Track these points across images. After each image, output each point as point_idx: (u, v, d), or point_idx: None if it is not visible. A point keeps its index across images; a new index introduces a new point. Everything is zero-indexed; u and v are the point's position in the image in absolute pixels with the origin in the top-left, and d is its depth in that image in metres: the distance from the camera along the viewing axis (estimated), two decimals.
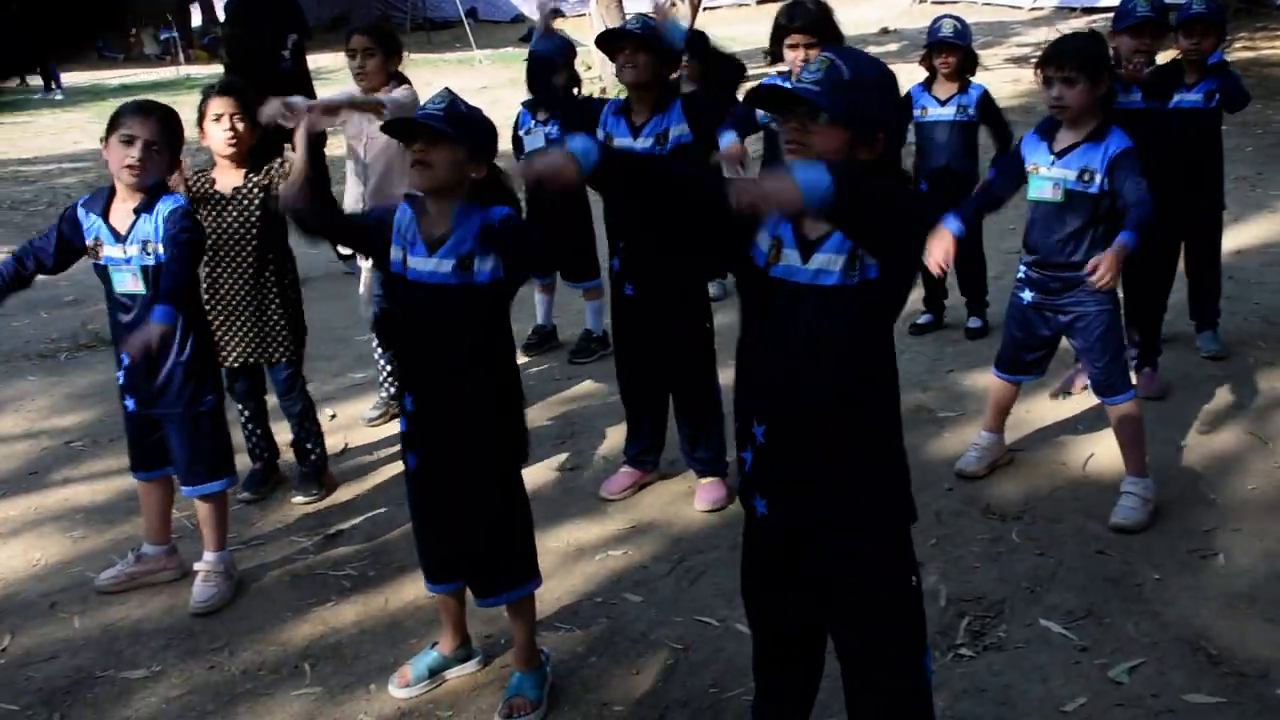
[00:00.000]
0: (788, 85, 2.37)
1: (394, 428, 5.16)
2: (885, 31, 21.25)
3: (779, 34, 4.63)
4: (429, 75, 19.60)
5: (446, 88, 3.13)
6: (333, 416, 5.30)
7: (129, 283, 3.64)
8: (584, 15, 22.65)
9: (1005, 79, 13.27)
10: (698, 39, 4.81)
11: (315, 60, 20.76)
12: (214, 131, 4.21)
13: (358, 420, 5.26)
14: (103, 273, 3.68)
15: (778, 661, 2.64)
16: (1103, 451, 4.40)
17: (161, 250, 3.58)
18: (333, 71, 18.56)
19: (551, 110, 5.16)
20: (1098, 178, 3.85)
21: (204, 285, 4.24)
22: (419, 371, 3.13)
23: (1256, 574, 3.63)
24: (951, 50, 5.45)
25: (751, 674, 2.76)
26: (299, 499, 4.52)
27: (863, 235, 2.21)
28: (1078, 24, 20.00)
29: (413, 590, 3.75)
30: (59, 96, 18.45)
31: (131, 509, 4.32)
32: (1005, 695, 3.09)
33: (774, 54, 4.71)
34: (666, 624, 3.53)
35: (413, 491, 3.24)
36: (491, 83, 18.02)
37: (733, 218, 2.23)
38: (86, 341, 6.49)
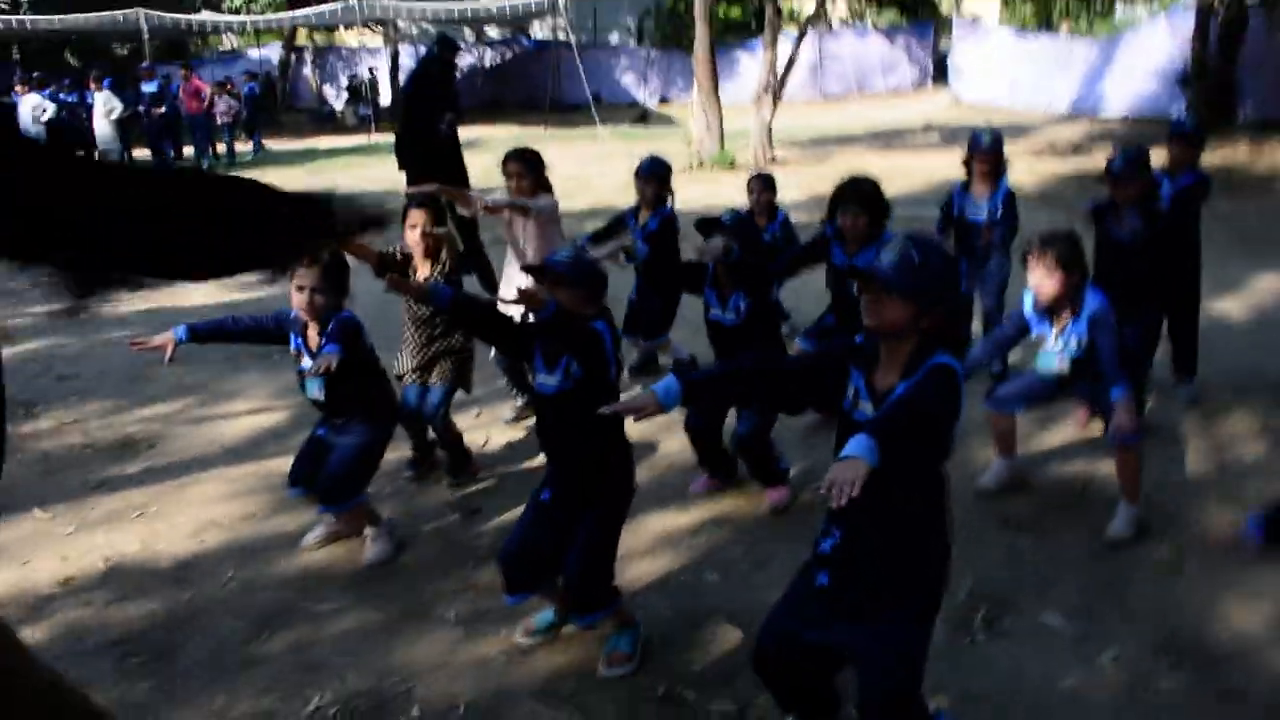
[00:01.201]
0: (872, 266, 2.27)
1: (525, 427, 5.20)
2: (928, 127, 20.92)
3: (835, 202, 4.52)
4: (563, 148, 19.78)
5: (575, 243, 3.15)
6: (478, 414, 5.33)
7: (315, 391, 3.75)
8: (687, 104, 22.72)
9: (1024, 169, 13.03)
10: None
11: (473, 132, 21.18)
12: (410, 235, 4.29)
13: (499, 419, 5.29)
14: (299, 379, 3.80)
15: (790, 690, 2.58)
16: (1101, 478, 4.25)
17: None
18: (486, 140, 18.88)
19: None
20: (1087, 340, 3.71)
21: (406, 320, 4.46)
22: (552, 454, 3.15)
23: (1216, 584, 3.48)
24: (988, 157, 5.26)
25: None
26: (448, 481, 4.57)
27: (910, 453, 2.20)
28: (1087, 128, 19.53)
29: None
30: (260, 156, 18.89)
31: None
32: (1011, 674, 2.99)
33: (830, 217, 4.59)
34: (739, 600, 3.47)
35: (538, 517, 3.15)
36: (612, 153, 18.11)
37: (822, 376, 2.37)
38: None
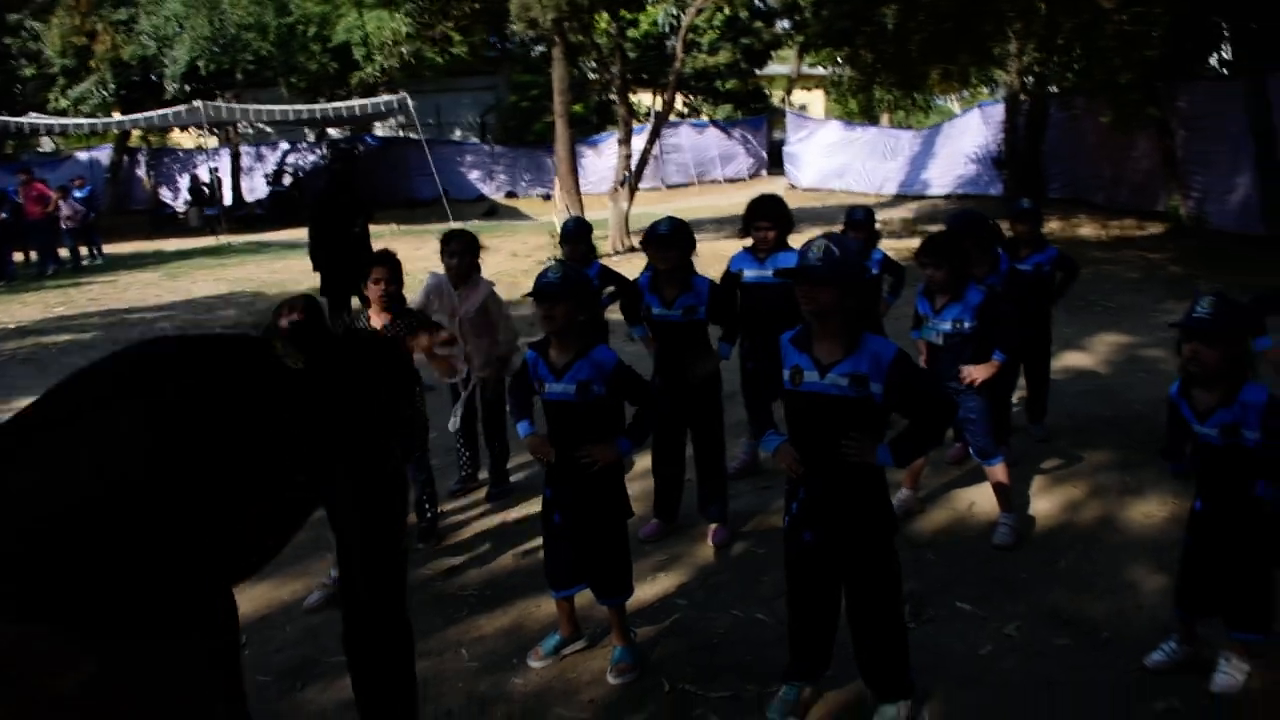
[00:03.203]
0: (804, 264, 3.11)
1: (470, 497, 5.80)
2: None
3: (749, 219, 5.38)
4: (420, 243, 20.28)
5: (559, 260, 3.85)
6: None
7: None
8: (533, 198, 23.70)
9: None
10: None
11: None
12: (373, 290, 4.90)
13: (444, 491, 5.81)
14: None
15: (808, 613, 3.39)
16: (980, 499, 5.21)
17: None
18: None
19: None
20: (966, 324, 4.72)
21: None
22: (560, 460, 3.75)
23: (1083, 571, 4.44)
24: (863, 226, 6.28)
25: (765, 649, 3.60)
26: (419, 545, 5.08)
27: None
28: (913, 205, 21.52)
29: (521, 602, 4.35)
30: (99, 263, 18.60)
31: (305, 554, 4.92)
32: (939, 649, 3.82)
33: (745, 231, 5.47)
34: (705, 617, 4.19)
35: (550, 532, 3.86)
36: None
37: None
38: None
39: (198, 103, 20.32)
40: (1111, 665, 3.67)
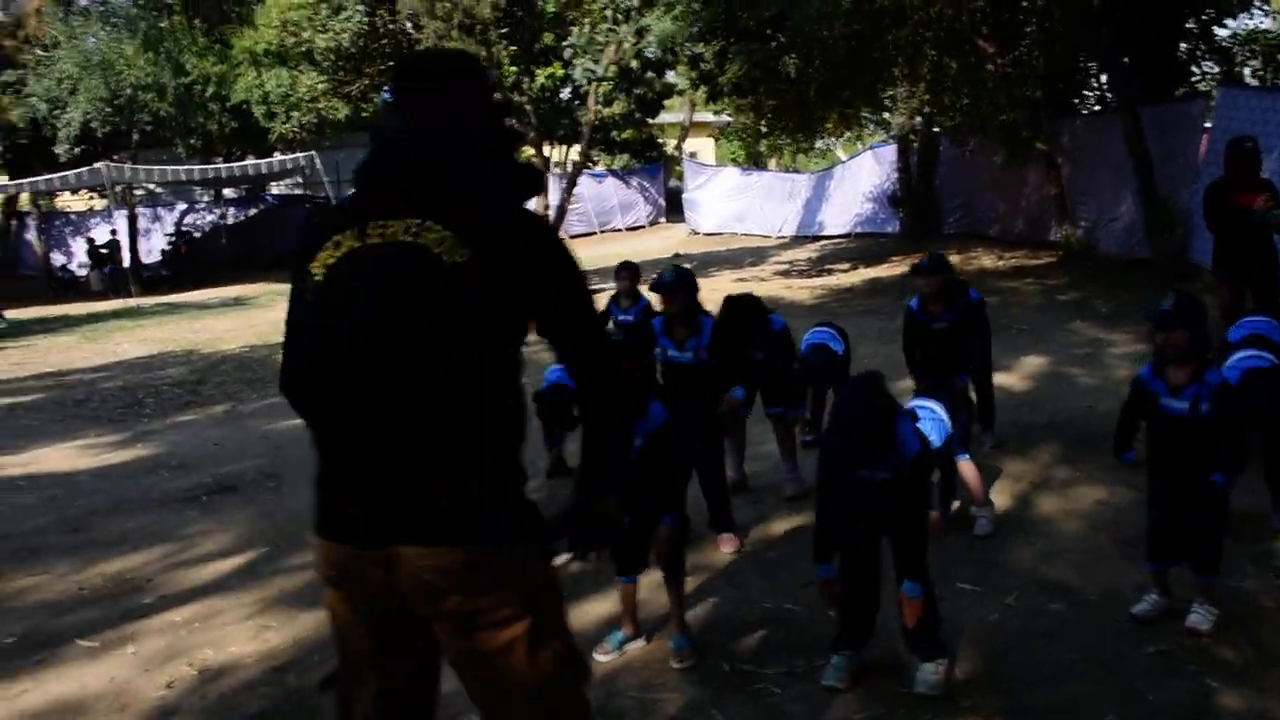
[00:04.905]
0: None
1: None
2: (677, 255, 23.37)
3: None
4: None
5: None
6: None
7: None
8: None
9: (776, 287, 15.41)
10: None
11: (229, 291, 21.67)
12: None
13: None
14: None
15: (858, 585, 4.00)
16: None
17: None
18: (249, 298, 19.34)
19: None
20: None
21: None
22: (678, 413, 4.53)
23: (1057, 550, 5.14)
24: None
25: (804, 631, 4.33)
26: None
27: None
28: (815, 246, 22.64)
29: (581, 615, 4.82)
30: (4, 326, 18.27)
31: None
32: (953, 620, 4.39)
33: None
34: (740, 610, 4.73)
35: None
36: None
37: None
38: (215, 489, 7.29)
39: (99, 164, 20.13)
40: (1103, 620, 4.34)
